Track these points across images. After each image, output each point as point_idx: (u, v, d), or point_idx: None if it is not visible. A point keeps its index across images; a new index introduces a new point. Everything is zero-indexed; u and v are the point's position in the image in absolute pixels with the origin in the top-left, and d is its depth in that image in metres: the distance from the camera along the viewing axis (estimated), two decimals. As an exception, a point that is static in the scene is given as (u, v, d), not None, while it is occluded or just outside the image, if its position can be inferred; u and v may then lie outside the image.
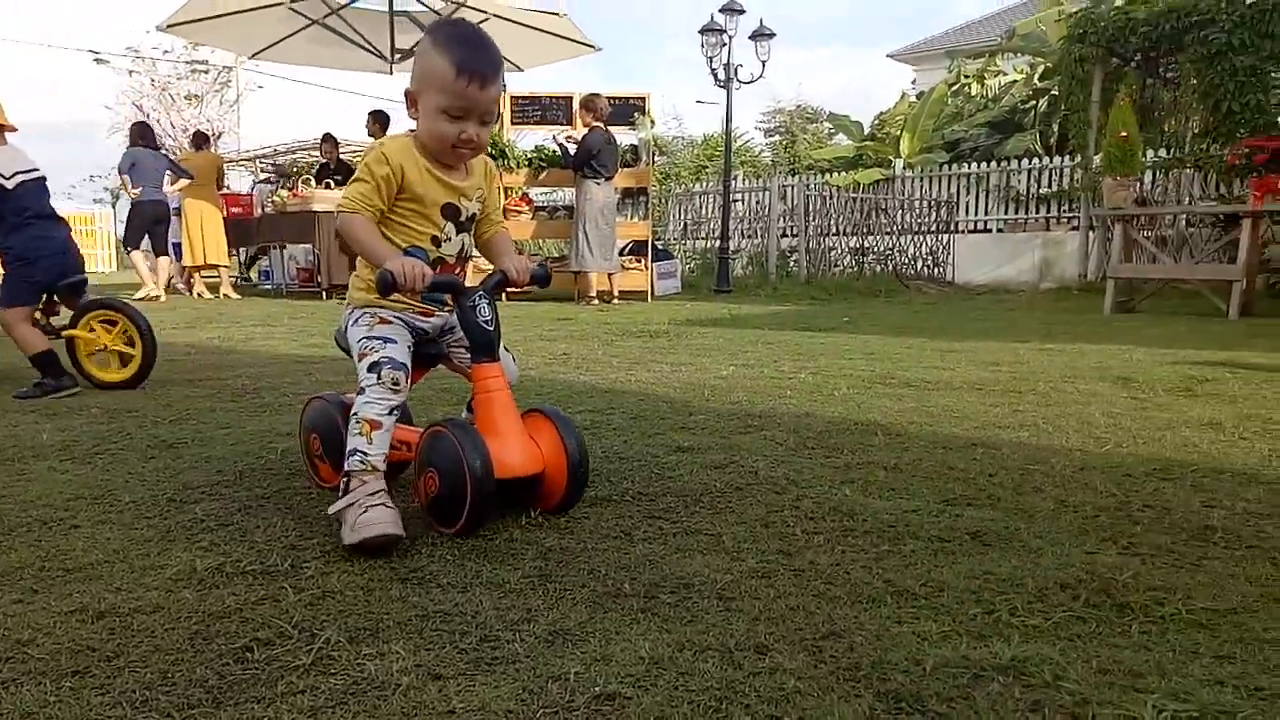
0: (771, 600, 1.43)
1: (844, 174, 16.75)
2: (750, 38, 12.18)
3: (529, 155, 9.76)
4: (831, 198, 13.33)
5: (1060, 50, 12.42)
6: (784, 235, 13.46)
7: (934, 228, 13.99)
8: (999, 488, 2.09)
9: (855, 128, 21.71)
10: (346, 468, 1.75)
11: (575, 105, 9.59)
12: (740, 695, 1.12)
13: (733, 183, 13.23)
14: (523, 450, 1.79)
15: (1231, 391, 3.50)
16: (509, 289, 1.96)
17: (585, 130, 9.02)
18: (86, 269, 3.82)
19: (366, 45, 11.16)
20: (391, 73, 11.67)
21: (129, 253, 10.19)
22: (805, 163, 23.65)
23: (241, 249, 13.01)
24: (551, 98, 10.18)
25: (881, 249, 13.32)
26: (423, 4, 10.69)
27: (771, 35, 12.19)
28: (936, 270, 13.65)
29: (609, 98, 9.26)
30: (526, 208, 10.23)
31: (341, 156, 11.38)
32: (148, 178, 9.51)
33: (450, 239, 1.91)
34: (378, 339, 1.82)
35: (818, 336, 5.89)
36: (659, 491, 2.07)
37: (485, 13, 9.94)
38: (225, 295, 10.38)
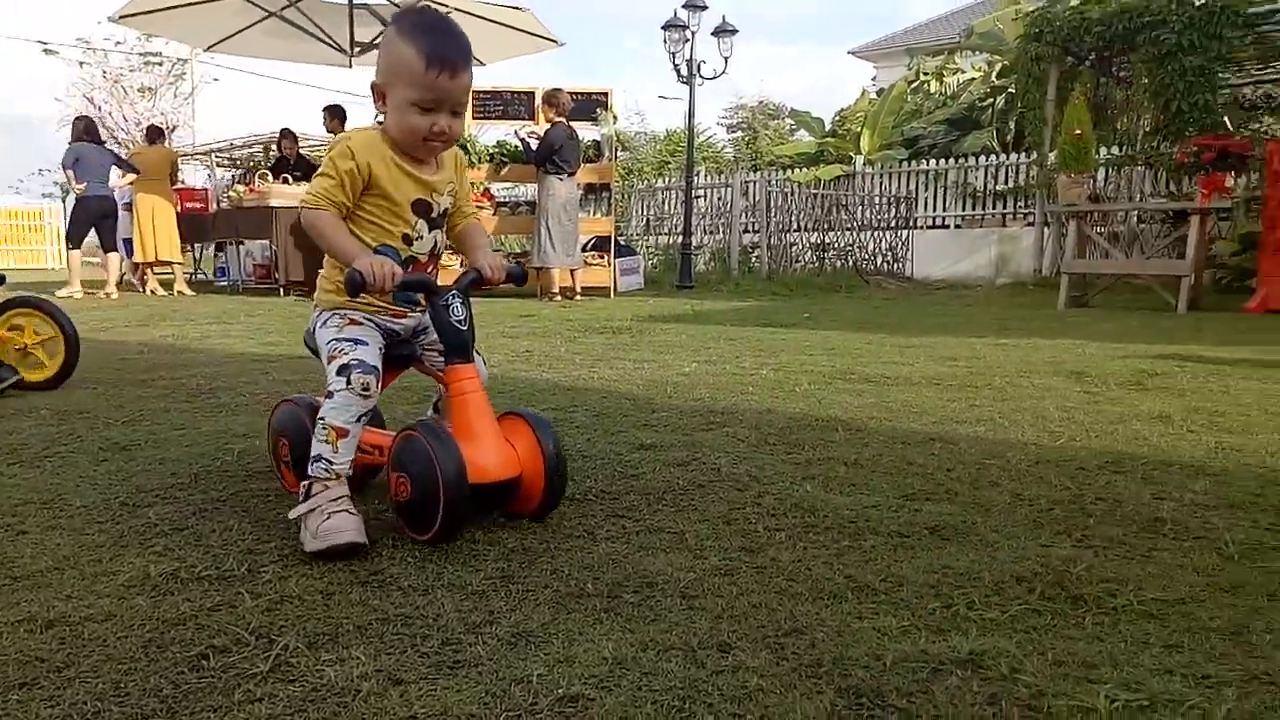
0: (734, 598, 1.44)
1: (805, 170, 16.86)
2: (713, 34, 12.22)
3: (491, 150, 9.70)
4: (793, 194, 13.43)
5: (1017, 48, 12.61)
6: (746, 231, 13.53)
7: (893, 224, 14.15)
8: (956, 482, 2.12)
9: (816, 124, 21.87)
10: (310, 473, 1.72)
11: (537, 100, 9.55)
12: (703, 694, 1.12)
13: (695, 179, 13.27)
14: (498, 454, 1.74)
15: (1180, 385, 3.58)
16: (483, 287, 1.90)
17: (547, 125, 8.99)
18: (35, 265, 3.72)
19: (325, 38, 11.01)
20: (351, 66, 11.52)
21: (70, 250, 9.96)
22: (767, 159, 23.77)
23: (197, 245, 12.78)
24: (514, 92, 10.13)
25: (842, 245, 13.45)
26: (382, -4, 10.57)
27: (734, 31, 12.23)
28: (896, 266, 13.81)
29: (571, 93, 9.23)
30: (488, 203, 10.17)
31: (301, 152, 11.23)
32: (92, 173, 9.32)
33: (422, 236, 1.85)
34: (348, 341, 1.76)
35: (779, 332, 5.93)
36: (622, 490, 2.07)
37: (446, 6, 9.84)
38: (180, 292, 10.20)
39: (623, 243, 12.78)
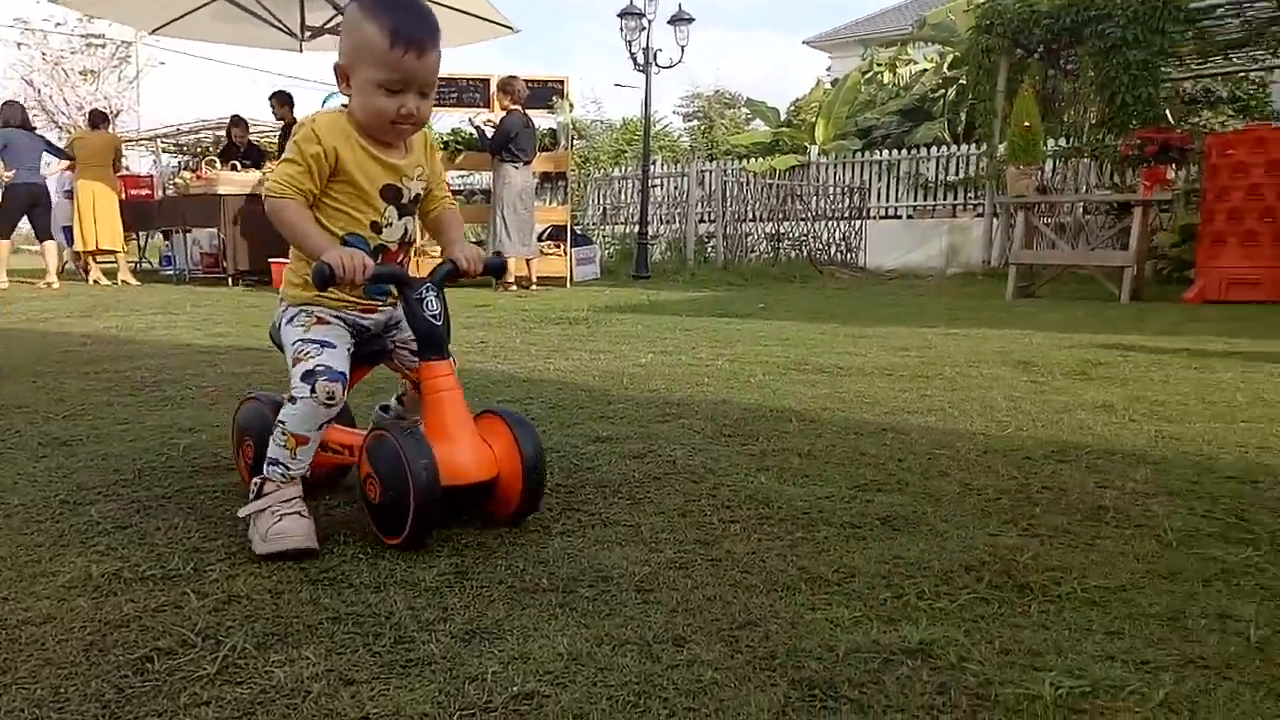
0: (689, 591, 1.44)
1: (761, 160, 16.95)
2: (669, 22, 12.19)
3: (445, 138, 9.59)
4: (748, 184, 13.48)
5: (968, 40, 12.79)
6: (702, 221, 13.56)
7: (847, 214, 14.29)
8: (908, 472, 2.16)
9: (772, 114, 21.97)
10: (264, 474, 1.67)
11: (492, 88, 9.46)
12: (658, 689, 1.13)
13: (651, 168, 13.25)
14: (474, 455, 1.66)
15: (1123, 374, 3.67)
16: (460, 280, 1.80)
17: (503, 113, 8.91)
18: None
19: (275, 22, 10.77)
20: (301, 50, 11.30)
21: None
22: (723, 148, 23.84)
23: (142, 233, 12.47)
24: (468, 80, 10.01)
25: (796, 235, 13.55)
26: (333, -20, 10.36)
27: (690, 20, 12.22)
28: (849, 256, 13.96)
29: (526, 80, 9.15)
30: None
31: (251, 139, 11.00)
32: (22, 159, 9.06)
33: (392, 223, 1.77)
34: (314, 343, 1.68)
35: (734, 322, 5.96)
36: (577, 483, 2.07)
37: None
38: (124, 281, 9.95)
39: (579, 232, 12.73)
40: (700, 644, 1.25)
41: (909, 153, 15.03)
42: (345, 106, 1.72)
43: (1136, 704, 1.09)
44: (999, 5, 11.70)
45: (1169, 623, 1.33)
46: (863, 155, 15.51)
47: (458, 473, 1.62)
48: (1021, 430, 2.63)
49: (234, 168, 10.14)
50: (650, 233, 12.58)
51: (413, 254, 1.87)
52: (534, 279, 9.26)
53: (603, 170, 18.11)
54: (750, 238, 13.33)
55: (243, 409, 1.98)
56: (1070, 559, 1.58)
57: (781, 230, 13.47)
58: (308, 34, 10.79)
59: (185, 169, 11.77)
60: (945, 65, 17.43)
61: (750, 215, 13.36)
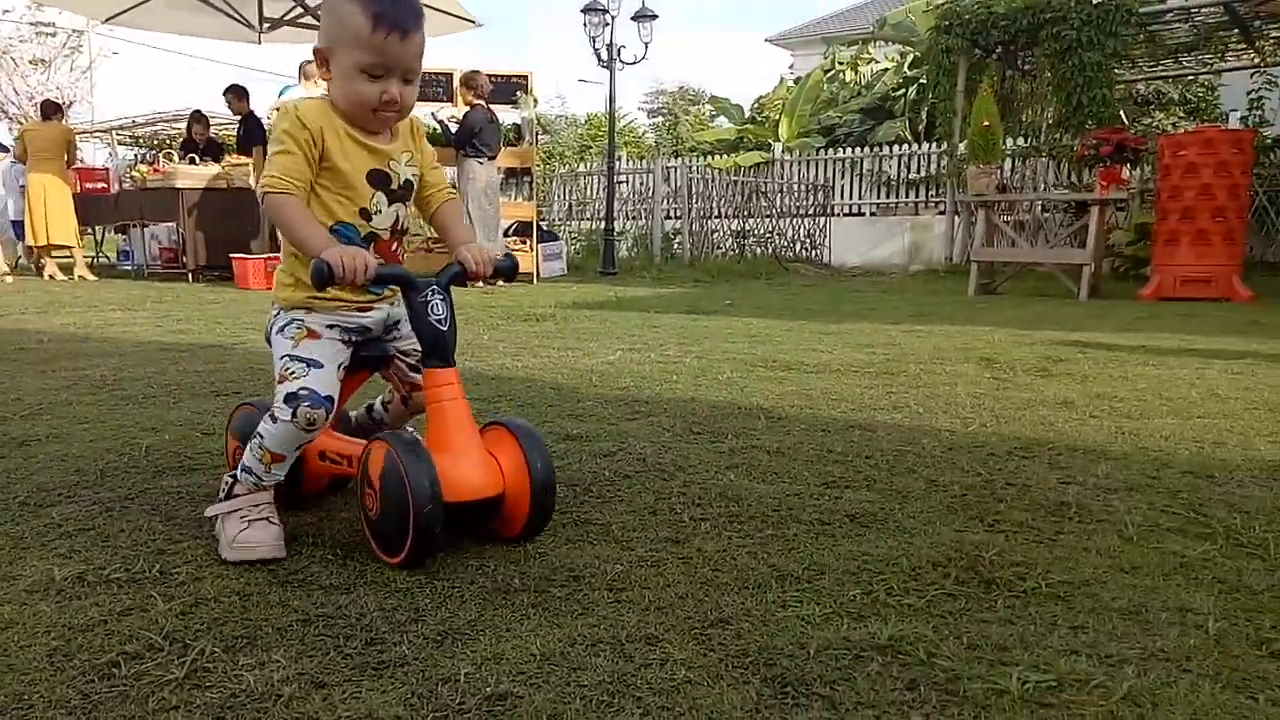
0: (661, 590, 1.45)
1: (725, 157, 17.01)
2: (633, 19, 12.17)
3: (408, 133, 9.49)
4: (714, 180, 13.52)
5: (927, 40, 12.93)
6: (668, 217, 13.58)
7: (811, 211, 14.39)
8: (875, 469, 2.18)
9: (736, 110, 22.07)
10: (237, 475, 1.64)
11: (455, 82, 9.38)
12: (631, 688, 1.13)
13: (617, 164, 13.24)
14: (478, 469, 1.56)
15: (1083, 371, 3.74)
16: (468, 283, 1.68)
17: (466, 108, 8.84)
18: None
19: (232, 13, 10.59)
20: (260, 42, 11.14)
21: None
22: (688, 145, 23.88)
23: (98, 227, 12.20)
24: (431, 74, 9.90)
25: (762, 232, 13.62)
26: (292, -29, 10.22)
27: (654, 17, 12.21)
28: (814, 253, 14.06)
29: (490, 75, 9.09)
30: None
31: (212, 135, 10.82)
32: None
33: (381, 210, 1.67)
34: (302, 361, 1.60)
35: (702, 319, 5.98)
36: (547, 481, 2.06)
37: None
38: (80, 277, 9.73)
39: (545, 228, 12.69)
40: (673, 643, 1.26)
41: (871, 151, 15.18)
42: (326, 95, 1.64)
43: (1101, 697, 1.11)
44: (958, 6, 11.86)
45: (1131, 616, 1.36)
46: (826, 153, 15.64)
47: (461, 488, 1.53)
48: (985, 427, 2.67)
49: (192, 161, 9.97)
50: (616, 229, 12.56)
51: (406, 243, 1.77)
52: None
53: (568, 166, 18.07)
54: (716, 234, 13.38)
55: (236, 416, 1.89)
56: (1035, 554, 1.61)
57: (747, 227, 13.54)
58: (266, 25, 10.64)
59: (142, 162, 11.53)
60: (906, 65, 17.64)
61: (716, 212, 13.41)
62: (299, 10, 10.34)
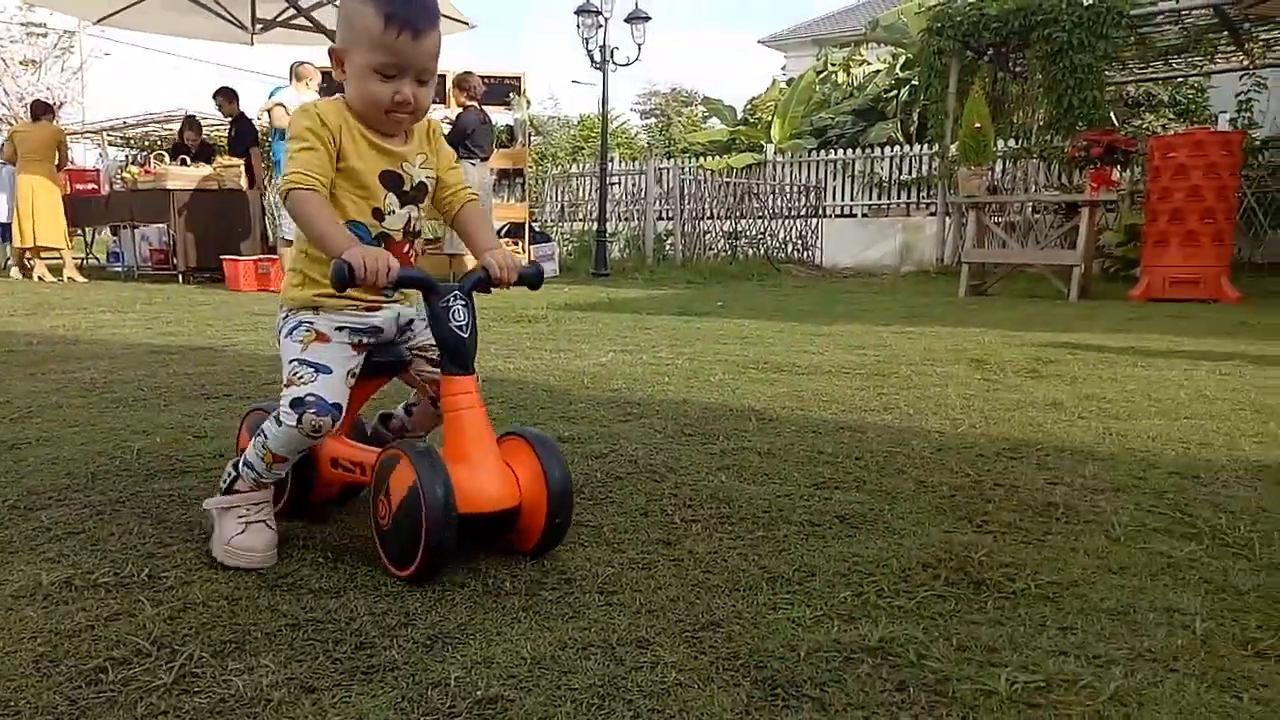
0: (652, 592, 1.45)
1: (717, 158, 17.03)
2: (626, 20, 12.18)
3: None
4: (705, 182, 13.54)
5: (919, 42, 12.97)
6: (660, 218, 13.59)
7: (803, 212, 14.42)
8: (865, 470, 2.19)
9: (728, 112, 22.11)
10: (238, 471, 1.63)
11: (449, 84, 9.38)
12: (623, 691, 1.13)
13: (609, 165, 13.24)
14: (495, 481, 1.52)
15: (1072, 372, 3.76)
16: (492, 289, 1.63)
17: (459, 110, 8.84)
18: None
19: (225, 14, 10.56)
20: (252, 43, 11.11)
21: None
22: (680, 146, 23.90)
23: (89, 228, 12.15)
24: (423, 75, 9.89)
25: (754, 233, 13.64)
26: (284, -27, 10.19)
27: (647, 18, 12.22)
28: (806, 254, 14.09)
29: (483, 77, 9.09)
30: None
31: (204, 139, 10.78)
32: None
33: (394, 211, 1.65)
34: (310, 366, 1.57)
35: (694, 321, 5.98)
36: (538, 484, 2.06)
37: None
38: (70, 279, 9.69)
39: (537, 229, 12.69)
40: (663, 645, 1.26)
41: (863, 152, 15.21)
42: (342, 95, 1.63)
43: (1088, 697, 1.12)
44: (950, 8, 11.90)
45: (1119, 617, 1.36)
46: (818, 154, 15.67)
47: (477, 500, 1.48)
48: (975, 428, 2.68)
49: (183, 162, 9.93)
50: (609, 230, 12.57)
51: (418, 246, 1.74)
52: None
53: (560, 167, 18.07)
54: (708, 235, 13.40)
55: (248, 420, 1.86)
56: (1023, 555, 1.62)
57: (739, 228, 13.56)
58: (259, 26, 10.61)
59: (133, 163, 11.48)
60: (898, 66, 17.69)
61: (708, 213, 13.43)
62: (291, 12, 10.31)
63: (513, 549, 1.60)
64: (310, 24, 10.01)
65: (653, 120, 30.59)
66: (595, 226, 12.42)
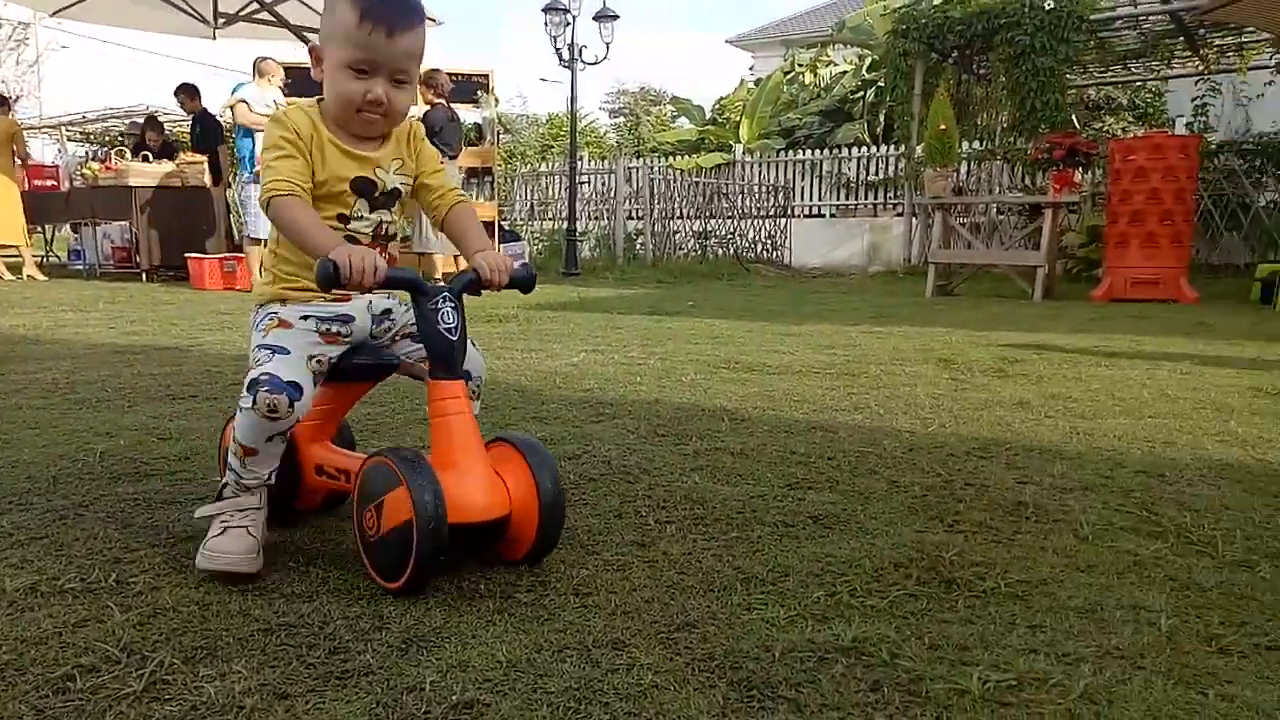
0: (627, 594, 1.45)
1: (686, 158, 17.06)
2: (594, 19, 12.16)
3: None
4: (675, 181, 13.56)
5: (885, 44, 13.08)
6: (630, 218, 13.59)
7: (772, 212, 14.49)
8: (837, 470, 2.20)
9: (697, 111, 22.16)
10: (225, 478, 1.60)
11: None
12: (599, 694, 1.13)
13: (579, 164, 13.22)
14: (485, 489, 1.47)
15: (1038, 371, 3.82)
16: (483, 292, 1.58)
17: (426, 107, 8.77)
18: None
19: (186, 8, 10.40)
20: (215, 38, 10.95)
21: None
22: (649, 145, 23.92)
23: (48, 225, 11.90)
24: (391, 72, 9.81)
25: (723, 233, 13.69)
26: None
27: (615, 17, 12.21)
28: (775, 254, 14.16)
29: (451, 74, 9.03)
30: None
31: (166, 138, 10.61)
32: None
33: (363, 216, 1.62)
34: (267, 348, 1.54)
35: (665, 320, 5.99)
36: (511, 485, 2.05)
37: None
38: (30, 276, 9.49)
39: (507, 228, 12.63)
40: (639, 647, 1.26)
41: (831, 153, 15.32)
42: (320, 99, 1.60)
43: (1059, 695, 1.14)
44: (914, 11, 12.01)
45: (1087, 615, 1.39)
46: (786, 155, 15.76)
47: (466, 509, 1.43)
48: (944, 427, 2.72)
49: (145, 158, 9.77)
50: (579, 229, 12.54)
51: (393, 249, 1.70)
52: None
53: (530, 165, 18.00)
54: (678, 235, 13.42)
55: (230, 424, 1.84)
56: (993, 554, 1.64)
57: (709, 228, 13.60)
58: (221, 20, 10.47)
59: (93, 159, 11.27)
60: (864, 68, 17.83)
61: (678, 213, 13.45)
62: (255, 6, 10.18)
63: (501, 559, 1.57)
64: (274, 19, 9.89)
65: (621, 119, 30.59)
66: (565, 225, 12.39)
